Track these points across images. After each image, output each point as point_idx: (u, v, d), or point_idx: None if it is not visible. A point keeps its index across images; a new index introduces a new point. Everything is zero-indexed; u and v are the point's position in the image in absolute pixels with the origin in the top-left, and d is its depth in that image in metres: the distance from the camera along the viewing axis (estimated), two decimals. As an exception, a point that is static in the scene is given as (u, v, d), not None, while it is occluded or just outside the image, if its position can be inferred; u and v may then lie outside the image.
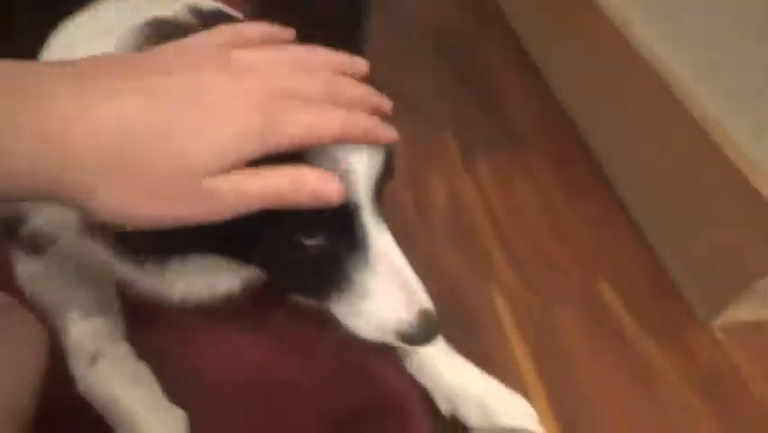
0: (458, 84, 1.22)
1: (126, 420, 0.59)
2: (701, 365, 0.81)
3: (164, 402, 0.61)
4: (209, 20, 0.49)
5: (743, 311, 0.84)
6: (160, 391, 0.61)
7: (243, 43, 0.40)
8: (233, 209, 0.37)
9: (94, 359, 0.59)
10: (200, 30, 0.42)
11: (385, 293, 0.45)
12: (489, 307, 0.86)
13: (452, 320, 0.80)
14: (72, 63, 0.36)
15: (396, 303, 0.45)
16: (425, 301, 0.46)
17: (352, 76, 0.43)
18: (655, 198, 0.96)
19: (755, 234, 0.78)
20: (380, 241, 0.45)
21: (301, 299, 0.53)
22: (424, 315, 0.45)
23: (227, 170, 0.36)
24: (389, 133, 0.43)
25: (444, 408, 0.68)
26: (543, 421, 0.70)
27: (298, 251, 0.45)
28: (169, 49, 0.39)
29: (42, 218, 0.56)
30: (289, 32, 0.44)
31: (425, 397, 0.69)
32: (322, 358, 0.69)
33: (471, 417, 0.66)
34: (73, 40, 0.54)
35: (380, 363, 0.69)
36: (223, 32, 0.41)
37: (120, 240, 0.49)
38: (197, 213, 0.36)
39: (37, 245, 0.58)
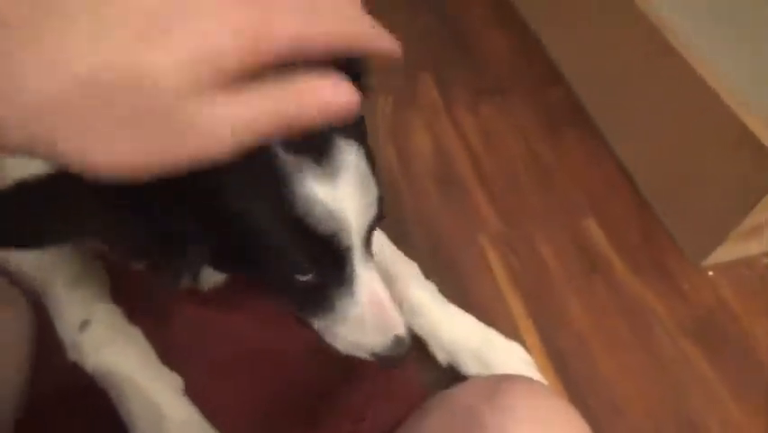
0: (438, 28, 1.18)
1: (120, 383, 0.58)
2: (692, 305, 0.83)
3: (158, 364, 0.61)
4: None
5: (732, 249, 0.85)
6: (153, 353, 0.61)
7: None
8: (232, 144, 0.28)
9: (85, 324, 0.59)
10: None
11: (365, 321, 0.50)
12: (477, 251, 0.86)
13: (441, 266, 0.81)
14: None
15: (374, 329, 0.50)
16: (399, 327, 0.51)
17: None
18: (642, 139, 0.95)
19: (742, 171, 0.78)
20: (366, 276, 0.49)
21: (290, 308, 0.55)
22: (397, 340, 0.50)
23: (207, 87, 0.27)
24: (396, 46, 0.35)
25: (441, 357, 0.69)
26: (537, 363, 0.71)
27: (290, 282, 0.48)
28: None
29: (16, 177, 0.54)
30: None
31: (420, 347, 0.69)
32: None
33: (469, 366, 0.67)
34: None
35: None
36: None
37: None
38: (191, 149, 0.28)
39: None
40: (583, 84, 1.08)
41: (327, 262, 0.47)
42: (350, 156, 0.45)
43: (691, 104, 0.83)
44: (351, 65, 0.41)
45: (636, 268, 0.86)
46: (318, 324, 0.52)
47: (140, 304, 0.62)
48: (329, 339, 0.53)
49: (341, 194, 0.45)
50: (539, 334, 0.78)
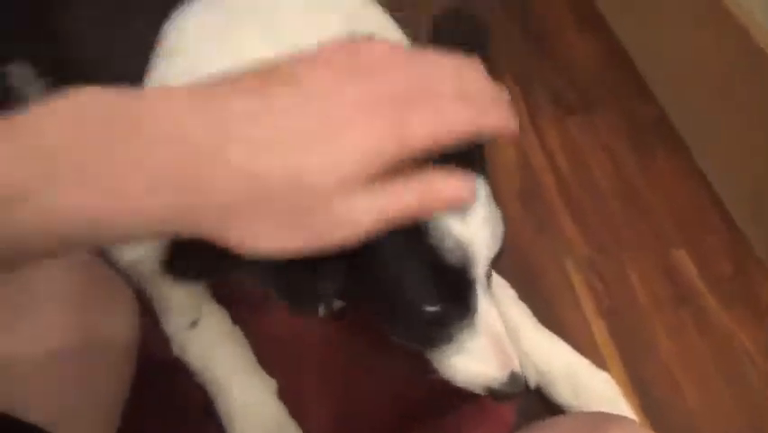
0: (527, 42, 1.17)
1: (220, 382, 0.61)
2: (786, 342, 0.79)
3: (256, 367, 0.63)
4: None
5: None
6: (252, 356, 0.63)
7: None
8: (366, 231, 0.32)
9: (194, 322, 0.61)
10: None
11: (483, 354, 0.50)
12: (562, 274, 0.85)
13: (524, 288, 0.79)
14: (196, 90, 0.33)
15: (491, 363, 0.51)
16: (515, 364, 0.51)
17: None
18: (737, 165, 0.92)
19: None
20: (486, 309, 0.50)
21: (400, 342, 0.56)
22: (513, 376, 0.51)
23: (353, 187, 0.31)
24: (515, 127, 0.38)
25: (531, 379, 0.68)
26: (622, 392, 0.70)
27: (415, 313, 0.49)
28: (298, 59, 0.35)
29: None
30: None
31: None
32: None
33: (558, 390, 0.67)
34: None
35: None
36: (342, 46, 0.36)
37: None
38: (332, 238, 0.32)
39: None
40: (675, 103, 1.05)
41: (454, 293, 0.48)
42: (480, 190, 0.47)
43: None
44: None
45: (727, 301, 0.83)
46: (435, 356, 0.53)
47: (237, 307, 0.64)
48: (444, 371, 0.53)
49: (472, 226, 0.46)
50: (623, 363, 0.76)
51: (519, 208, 0.92)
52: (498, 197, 0.89)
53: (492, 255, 0.49)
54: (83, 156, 0.29)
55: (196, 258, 0.45)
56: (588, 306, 0.81)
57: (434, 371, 0.54)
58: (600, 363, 0.73)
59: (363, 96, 0.32)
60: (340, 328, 0.70)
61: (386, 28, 0.55)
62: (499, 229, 0.49)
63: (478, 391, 0.52)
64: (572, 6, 1.24)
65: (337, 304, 0.57)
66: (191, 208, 0.31)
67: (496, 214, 0.49)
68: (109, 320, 0.53)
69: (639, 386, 0.74)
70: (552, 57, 1.14)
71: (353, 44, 0.36)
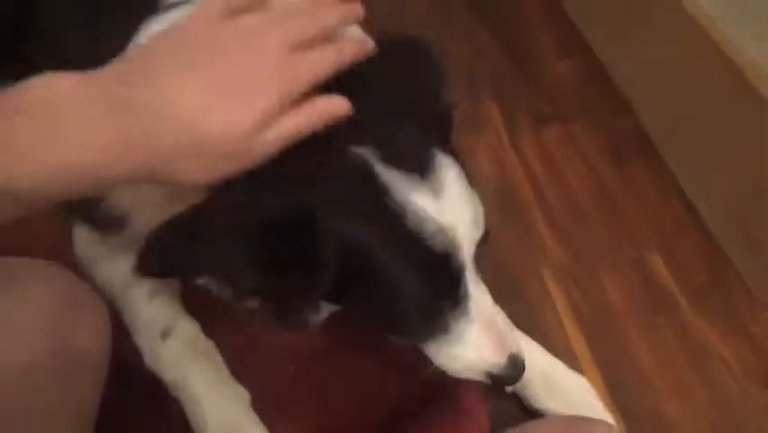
0: (505, 58, 1.18)
1: (194, 394, 0.60)
2: (760, 349, 0.80)
3: (230, 378, 0.62)
4: None
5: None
6: (225, 367, 0.62)
7: (238, 10, 0.47)
8: (277, 146, 0.45)
9: (165, 334, 0.61)
10: None
11: (479, 339, 0.50)
12: (539, 282, 0.85)
13: (501, 296, 0.79)
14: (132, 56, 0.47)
15: (488, 349, 0.50)
16: (514, 346, 0.51)
17: None
18: (712, 175, 0.93)
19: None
20: (478, 294, 0.50)
21: (394, 339, 0.56)
22: (512, 359, 0.51)
23: (263, 125, 0.44)
24: (364, 46, 0.49)
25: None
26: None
27: (406, 306, 0.49)
28: (187, 34, 0.47)
29: (123, 197, 0.57)
30: None
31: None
32: (379, 347, 0.68)
33: (536, 395, 0.67)
34: None
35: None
36: (215, 4, 0.48)
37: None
38: (255, 158, 0.45)
39: (110, 223, 0.58)
40: (651, 115, 1.06)
41: (443, 281, 0.48)
42: (452, 171, 0.47)
43: (765, 142, 0.81)
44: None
45: (702, 307, 0.84)
46: (430, 348, 0.52)
47: (208, 318, 0.64)
48: (441, 363, 0.52)
49: (449, 208, 0.46)
50: (600, 369, 0.77)
51: (496, 217, 0.92)
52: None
53: (477, 237, 0.49)
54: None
55: (167, 256, 0.46)
56: (564, 312, 0.82)
57: (430, 365, 0.53)
58: (577, 367, 0.74)
59: (264, 62, 0.45)
60: (314, 336, 0.69)
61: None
62: (479, 210, 0.49)
63: (478, 378, 0.52)
64: (551, 24, 1.26)
65: (324, 314, 0.57)
66: (147, 161, 0.43)
67: (473, 195, 0.49)
68: (81, 331, 0.53)
69: (615, 390, 0.74)
70: (530, 72, 1.16)
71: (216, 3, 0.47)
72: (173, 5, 0.56)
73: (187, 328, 0.61)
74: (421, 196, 0.45)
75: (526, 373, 0.66)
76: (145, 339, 0.61)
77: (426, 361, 0.54)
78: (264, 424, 0.60)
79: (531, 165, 1.00)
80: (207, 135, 0.43)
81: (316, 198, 0.45)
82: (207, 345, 0.62)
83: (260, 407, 0.61)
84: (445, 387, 0.66)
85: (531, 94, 1.12)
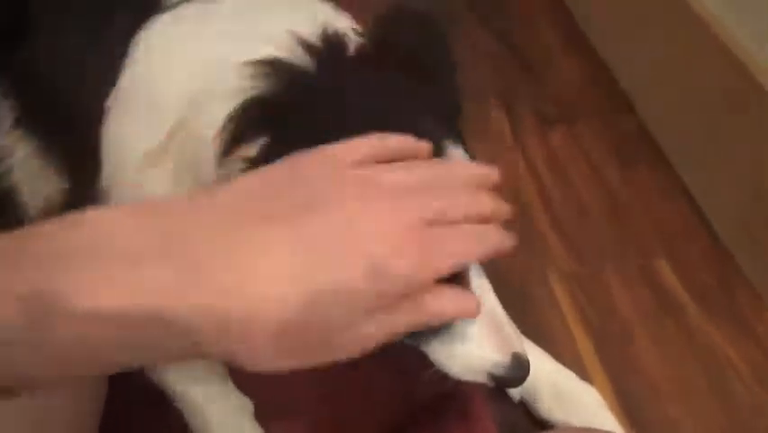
0: (510, 60, 1.18)
1: (196, 404, 0.60)
2: (769, 353, 0.79)
3: (232, 388, 0.61)
4: (327, 63, 0.46)
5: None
6: (228, 377, 0.62)
7: (382, 157, 0.39)
8: (377, 345, 0.36)
9: None
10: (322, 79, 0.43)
11: (481, 338, 0.47)
12: (545, 287, 0.84)
13: (507, 300, 0.79)
14: (210, 205, 0.35)
15: (490, 347, 0.47)
16: (517, 346, 0.48)
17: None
18: (718, 176, 0.93)
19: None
20: (480, 290, 0.47)
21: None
22: (516, 358, 0.48)
23: (364, 317, 0.34)
24: (511, 244, 0.43)
25: (515, 392, 0.68)
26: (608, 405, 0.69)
27: None
28: (308, 170, 0.37)
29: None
30: (427, 147, 0.43)
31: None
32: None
33: (544, 405, 0.66)
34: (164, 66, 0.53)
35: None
36: (363, 145, 0.39)
37: None
38: (343, 356, 0.35)
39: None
40: (656, 116, 1.06)
41: (446, 278, 0.45)
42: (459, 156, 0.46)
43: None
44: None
45: (710, 311, 0.83)
46: (431, 348, 0.50)
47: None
48: (442, 363, 0.49)
49: None
50: (607, 375, 0.76)
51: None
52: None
53: None
54: None
55: None
56: (571, 318, 0.81)
57: (431, 366, 0.51)
58: (584, 375, 0.73)
59: (391, 234, 0.34)
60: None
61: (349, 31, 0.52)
62: None
63: (481, 379, 0.49)
64: (556, 26, 1.26)
65: None
66: (196, 330, 0.31)
67: None
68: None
69: (624, 398, 0.74)
70: (535, 74, 1.15)
71: (364, 144, 0.39)
72: (178, 3, 0.55)
73: None
74: None
75: (535, 383, 0.67)
76: None
77: (428, 363, 0.51)
78: (268, 425, 0.60)
79: (536, 167, 1.00)
80: (286, 311, 0.32)
81: None
82: None
83: (263, 410, 0.61)
84: (452, 391, 0.65)
85: (536, 95, 1.11)
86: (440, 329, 0.48)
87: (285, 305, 0.32)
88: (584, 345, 0.79)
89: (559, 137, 1.04)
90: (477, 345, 0.47)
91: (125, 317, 0.30)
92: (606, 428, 0.65)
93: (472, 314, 0.41)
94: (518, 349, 0.48)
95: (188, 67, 0.51)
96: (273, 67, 0.45)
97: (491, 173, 0.45)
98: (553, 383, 0.67)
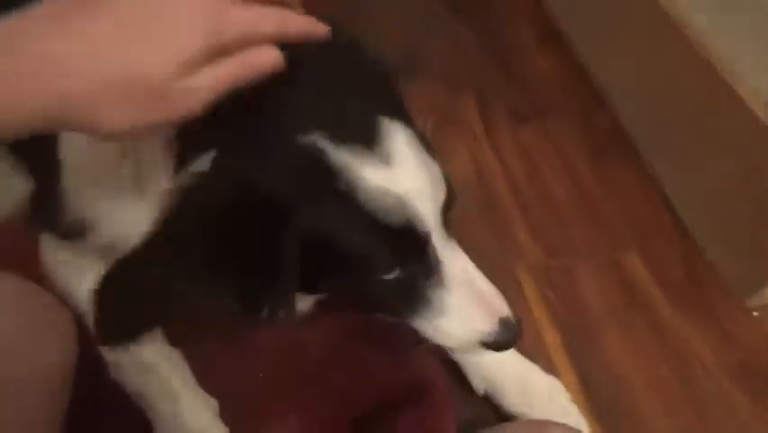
0: (485, 56, 1.17)
1: (158, 404, 0.59)
2: (736, 346, 0.80)
3: (196, 388, 0.61)
4: None
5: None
6: (191, 376, 0.61)
7: None
8: (209, 96, 0.41)
9: (128, 345, 0.59)
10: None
11: (464, 308, 0.47)
12: (514, 282, 0.84)
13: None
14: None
15: (475, 316, 0.47)
16: (503, 310, 0.48)
17: None
18: (689, 172, 0.93)
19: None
20: (452, 260, 0.47)
21: (384, 316, 0.54)
22: (503, 323, 0.48)
23: (188, 68, 0.40)
24: (312, 25, 0.46)
25: (479, 385, 0.68)
26: (573, 399, 0.70)
27: (378, 285, 0.47)
28: None
29: (84, 202, 0.56)
30: None
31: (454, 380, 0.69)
32: (352, 344, 0.69)
33: (508, 397, 0.67)
34: None
35: (409, 348, 0.69)
36: None
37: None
38: (183, 108, 0.41)
39: (74, 231, 0.57)
40: (630, 112, 1.06)
41: (409, 253, 0.46)
42: (401, 136, 0.45)
43: (744, 141, 0.81)
44: None
45: (679, 305, 0.84)
46: (421, 325, 0.50)
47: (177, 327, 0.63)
48: (436, 338, 0.50)
49: (402, 179, 0.44)
50: (576, 370, 0.76)
51: (473, 216, 0.92)
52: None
53: (440, 204, 0.46)
54: None
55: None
56: (539, 310, 0.81)
57: (424, 340, 0.51)
58: (551, 368, 0.74)
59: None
60: (281, 338, 0.69)
61: None
62: (437, 173, 0.46)
63: (474, 350, 0.50)
64: (532, 23, 1.26)
65: (308, 303, 0.55)
66: (52, 107, 0.38)
67: (428, 159, 0.46)
68: (46, 345, 0.53)
69: (591, 391, 0.74)
70: (511, 71, 1.15)
71: None
72: None
73: (150, 338, 0.60)
74: (371, 169, 0.43)
75: (500, 379, 0.67)
76: (109, 351, 0.60)
77: (423, 338, 0.51)
78: (242, 428, 0.60)
79: (508, 163, 1.00)
80: (123, 74, 0.39)
81: (270, 192, 0.43)
82: (171, 353, 0.61)
83: (234, 412, 0.61)
84: (415, 382, 0.66)
85: (509, 91, 1.11)
86: (422, 306, 0.48)
87: (117, 70, 0.39)
88: (551, 337, 0.79)
89: (531, 132, 1.04)
90: (460, 316, 0.47)
91: None
92: (570, 420, 0.65)
93: (276, 62, 0.43)
94: (504, 313, 0.48)
95: None
96: None
97: None
98: (518, 379, 0.67)
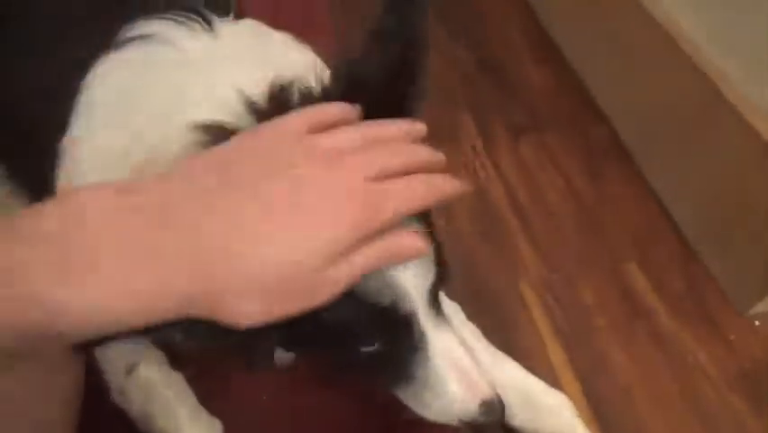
0: (481, 72, 1.18)
1: (162, 428, 0.59)
2: (738, 356, 0.80)
3: (200, 410, 0.61)
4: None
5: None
6: (194, 399, 0.61)
7: (320, 127, 0.42)
8: (348, 285, 0.40)
9: (131, 369, 0.60)
10: None
11: (447, 386, 0.48)
12: (517, 295, 0.85)
13: (480, 310, 0.79)
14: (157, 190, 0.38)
15: (458, 395, 0.48)
16: (486, 391, 0.48)
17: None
18: (687, 183, 0.94)
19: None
20: (439, 339, 0.48)
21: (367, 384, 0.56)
22: (486, 405, 0.48)
23: (336, 258, 0.39)
24: (457, 184, 0.46)
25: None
26: (578, 412, 0.69)
27: (358, 355, 0.48)
28: (248, 146, 0.41)
29: None
30: (358, 110, 0.46)
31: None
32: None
33: (515, 414, 0.66)
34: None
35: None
36: (301, 117, 0.42)
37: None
38: (321, 299, 0.39)
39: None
40: (626, 124, 1.07)
41: (392, 329, 0.46)
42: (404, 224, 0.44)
43: (741, 152, 0.82)
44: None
45: (680, 316, 0.84)
46: (403, 394, 0.51)
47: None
48: (416, 409, 0.50)
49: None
50: (580, 382, 0.76)
51: (474, 231, 0.92)
52: (452, 219, 0.92)
53: (428, 284, 0.47)
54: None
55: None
56: (543, 326, 0.81)
57: (406, 409, 0.52)
58: (556, 381, 0.74)
59: (341, 190, 0.39)
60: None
61: (309, 73, 0.51)
62: (431, 256, 0.47)
63: (455, 424, 0.50)
64: (527, 37, 1.27)
65: (286, 356, 0.56)
66: (195, 296, 0.36)
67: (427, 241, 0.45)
68: (54, 368, 0.53)
69: (595, 404, 0.74)
70: (506, 85, 1.16)
71: (302, 115, 0.42)
72: (131, 40, 0.54)
73: (154, 360, 0.60)
74: None
75: (505, 392, 0.65)
76: (111, 375, 0.60)
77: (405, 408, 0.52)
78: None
79: (507, 177, 1.00)
80: (266, 269, 0.37)
81: None
82: (174, 376, 0.61)
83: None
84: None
85: (506, 105, 1.12)
86: (406, 379, 0.49)
87: (264, 262, 0.37)
88: (555, 350, 0.79)
89: (529, 146, 1.05)
90: (443, 392, 0.48)
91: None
92: (575, 434, 0.65)
93: (421, 250, 0.43)
94: (487, 395, 0.48)
95: (131, 125, 0.50)
96: (215, 135, 0.44)
97: (418, 126, 0.47)
98: (523, 392, 0.67)
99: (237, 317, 0.37)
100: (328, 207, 0.38)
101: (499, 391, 0.65)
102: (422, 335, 0.47)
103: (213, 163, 0.39)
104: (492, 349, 0.70)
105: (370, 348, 0.47)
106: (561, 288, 0.86)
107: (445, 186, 0.44)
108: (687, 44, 0.91)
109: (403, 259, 0.43)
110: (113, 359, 0.60)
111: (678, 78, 0.93)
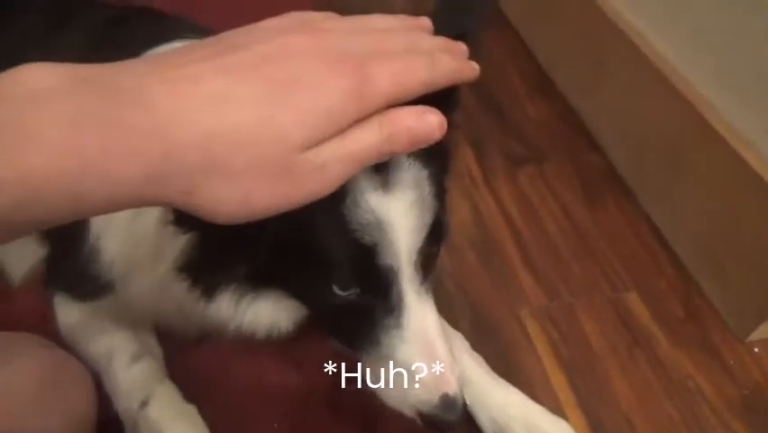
0: (476, 99, 1.22)
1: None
2: (738, 382, 0.81)
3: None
4: None
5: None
6: (208, 431, 0.62)
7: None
8: (339, 178, 0.34)
9: (145, 402, 0.60)
10: None
11: (412, 366, 0.44)
12: (518, 323, 0.86)
13: (481, 338, 0.81)
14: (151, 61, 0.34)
15: (422, 379, 0.43)
16: (451, 386, 0.44)
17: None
18: (683, 211, 0.95)
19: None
20: (417, 311, 0.44)
21: (338, 345, 0.51)
22: (446, 401, 0.43)
23: (322, 138, 0.33)
24: (474, 67, 0.41)
25: (487, 428, 0.69)
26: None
27: (333, 298, 0.45)
28: (241, 29, 0.36)
29: (114, 261, 0.56)
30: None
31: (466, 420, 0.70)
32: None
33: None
34: None
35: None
36: (293, 15, 0.38)
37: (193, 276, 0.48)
38: (308, 189, 0.33)
39: (94, 291, 0.58)
40: (620, 153, 1.09)
41: (372, 279, 0.43)
42: (411, 172, 0.43)
43: (733, 181, 0.84)
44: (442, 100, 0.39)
45: (680, 342, 0.85)
46: (363, 359, 0.47)
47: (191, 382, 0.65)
48: (372, 381, 0.46)
49: (392, 204, 0.42)
50: (582, 409, 0.77)
51: (475, 261, 0.94)
52: (453, 249, 0.94)
53: (419, 244, 0.44)
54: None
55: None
56: (545, 354, 0.83)
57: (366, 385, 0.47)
58: (559, 409, 0.75)
59: (323, 55, 0.33)
60: (299, 399, 0.70)
61: None
62: (429, 217, 0.44)
63: (407, 412, 0.46)
64: (522, 72, 1.30)
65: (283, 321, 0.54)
66: (162, 174, 0.30)
67: (429, 202, 0.44)
68: (66, 404, 0.54)
69: (597, 431, 0.75)
70: (503, 116, 1.19)
71: (295, 14, 0.38)
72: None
73: (168, 394, 0.61)
74: (368, 185, 0.41)
75: (506, 419, 0.68)
76: (124, 409, 0.61)
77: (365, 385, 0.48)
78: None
79: (506, 207, 1.02)
80: (234, 147, 0.31)
81: None
82: (189, 410, 0.61)
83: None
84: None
85: (504, 137, 1.15)
86: (372, 343, 0.45)
87: (231, 138, 0.31)
88: (558, 378, 0.80)
89: (527, 177, 1.07)
90: (406, 370, 0.44)
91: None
92: (578, 462, 0.66)
93: (433, 131, 0.36)
94: (452, 391, 0.43)
95: None
96: None
97: (423, 20, 0.42)
98: (526, 420, 0.68)
99: (213, 204, 0.32)
100: (309, 71, 0.33)
101: (503, 418, 0.68)
102: (400, 299, 0.44)
103: (179, 50, 0.35)
104: (495, 376, 0.72)
105: (347, 293, 0.44)
106: (561, 316, 0.87)
107: (451, 64, 0.38)
108: (677, 78, 0.94)
109: (408, 145, 0.35)
110: (126, 394, 0.61)
111: (667, 109, 0.95)
